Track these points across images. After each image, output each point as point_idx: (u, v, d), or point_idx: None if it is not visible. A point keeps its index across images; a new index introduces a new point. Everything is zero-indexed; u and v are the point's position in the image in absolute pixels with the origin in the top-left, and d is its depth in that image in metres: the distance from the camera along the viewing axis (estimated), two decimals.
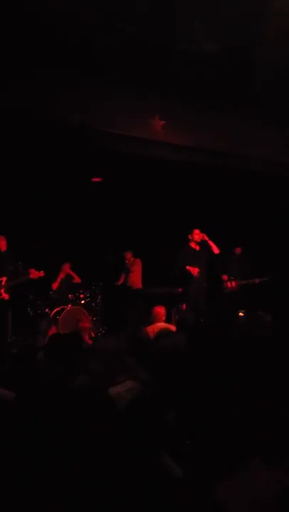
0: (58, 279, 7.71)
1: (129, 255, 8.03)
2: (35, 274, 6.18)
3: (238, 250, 8.14)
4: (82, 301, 7.66)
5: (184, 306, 7.13)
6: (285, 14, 5.22)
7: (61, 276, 7.77)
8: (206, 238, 7.05)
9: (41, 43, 5.56)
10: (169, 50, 5.82)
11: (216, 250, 7.09)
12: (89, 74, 6.18)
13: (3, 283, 5.98)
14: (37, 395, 2.07)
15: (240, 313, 6.10)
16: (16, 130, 6.01)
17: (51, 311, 7.28)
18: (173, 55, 5.90)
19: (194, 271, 6.95)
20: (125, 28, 5.38)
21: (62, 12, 5.06)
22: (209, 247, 7.08)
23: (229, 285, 7.93)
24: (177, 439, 1.91)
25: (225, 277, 7.97)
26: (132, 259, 8.04)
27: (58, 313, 7.24)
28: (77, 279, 7.90)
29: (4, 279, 6.01)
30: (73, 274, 7.89)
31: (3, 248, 6.12)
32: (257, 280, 7.82)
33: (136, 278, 7.95)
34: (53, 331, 6.96)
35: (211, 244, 7.07)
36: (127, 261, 8.02)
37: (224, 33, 5.58)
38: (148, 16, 5.21)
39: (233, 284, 7.91)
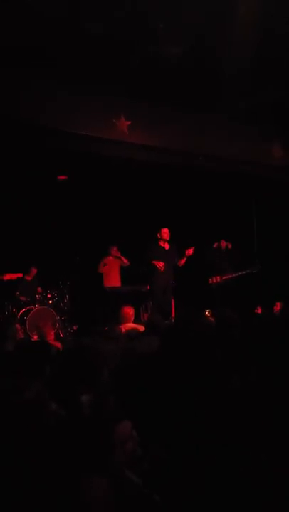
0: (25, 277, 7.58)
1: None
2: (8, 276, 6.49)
3: (222, 244, 7.77)
4: (50, 301, 7.61)
5: (151, 304, 7.20)
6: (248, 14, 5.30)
7: (28, 278, 7.69)
8: (190, 253, 7.15)
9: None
10: (134, 51, 5.82)
11: (180, 263, 7.23)
12: (53, 75, 6.11)
13: None
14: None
15: (207, 313, 6.15)
16: None
17: (18, 312, 7.21)
18: (137, 55, 5.90)
19: (159, 264, 7.03)
20: (89, 27, 5.36)
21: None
22: (179, 256, 7.21)
23: (214, 280, 7.70)
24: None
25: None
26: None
27: (25, 313, 7.20)
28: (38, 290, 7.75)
29: None
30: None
31: None
32: (241, 272, 7.56)
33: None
34: (20, 332, 6.89)
35: (184, 259, 7.20)
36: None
37: (188, 35, 5.63)
38: (113, 16, 5.20)
39: (218, 278, 7.69)
